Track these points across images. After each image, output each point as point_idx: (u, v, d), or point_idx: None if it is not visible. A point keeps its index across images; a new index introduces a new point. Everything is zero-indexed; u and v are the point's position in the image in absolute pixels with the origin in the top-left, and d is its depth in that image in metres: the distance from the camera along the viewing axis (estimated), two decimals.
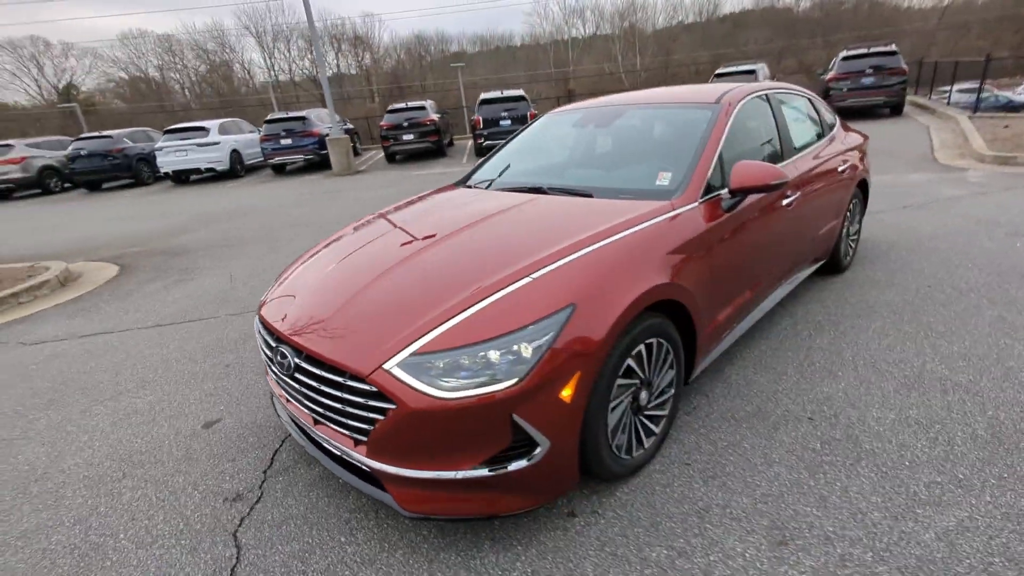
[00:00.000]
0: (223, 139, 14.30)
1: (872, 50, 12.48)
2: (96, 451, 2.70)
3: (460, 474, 1.70)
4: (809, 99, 3.68)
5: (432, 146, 14.40)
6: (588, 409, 1.83)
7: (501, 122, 13.68)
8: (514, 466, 1.71)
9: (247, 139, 15.04)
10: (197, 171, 14.47)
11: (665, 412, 2.27)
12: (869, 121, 12.66)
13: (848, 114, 12.83)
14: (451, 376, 1.65)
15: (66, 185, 16.10)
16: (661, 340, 2.11)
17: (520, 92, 14.31)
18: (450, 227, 2.40)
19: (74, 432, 2.89)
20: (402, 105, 14.59)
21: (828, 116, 3.87)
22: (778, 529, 1.85)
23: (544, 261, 1.93)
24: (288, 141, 13.95)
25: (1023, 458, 2.06)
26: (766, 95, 3.15)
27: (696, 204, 2.36)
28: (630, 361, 1.98)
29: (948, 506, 1.88)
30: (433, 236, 2.34)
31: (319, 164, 14.69)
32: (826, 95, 12.64)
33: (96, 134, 15.33)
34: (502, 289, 1.83)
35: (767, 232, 2.78)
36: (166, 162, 14.17)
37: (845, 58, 12.62)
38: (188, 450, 2.63)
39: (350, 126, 17.33)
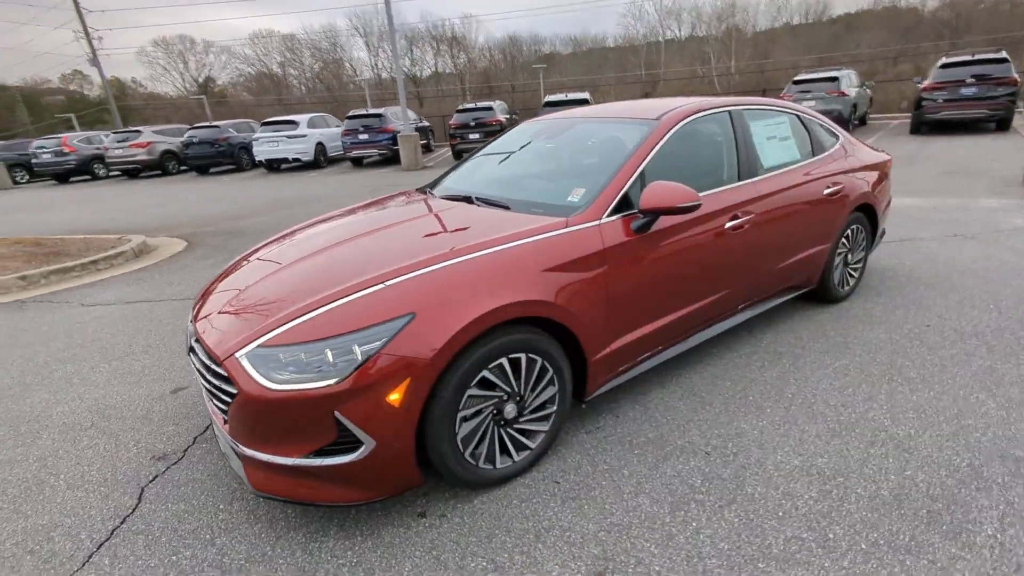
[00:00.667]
0: (310, 132, 15.39)
1: (976, 57, 10.99)
2: (83, 402, 3.10)
3: (290, 461, 1.81)
4: (797, 116, 3.40)
5: None
6: (428, 415, 1.87)
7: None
8: (337, 460, 1.79)
9: (332, 133, 16.06)
10: (286, 160, 15.68)
11: (544, 428, 2.25)
12: (967, 136, 11.23)
13: (945, 128, 11.49)
14: (285, 370, 1.76)
15: (182, 168, 18.06)
16: (533, 356, 2.09)
17: (584, 95, 14.17)
18: (361, 230, 2.52)
19: (77, 384, 3.33)
20: (471, 105, 14.99)
21: (824, 134, 3.54)
22: (605, 560, 1.79)
23: (404, 270, 1.98)
24: (365, 136, 14.75)
25: (912, 527, 1.83)
26: (729, 112, 2.96)
27: (597, 222, 2.29)
28: (487, 374, 1.98)
29: (796, 565, 1.72)
30: (341, 240, 2.46)
31: (392, 159, 15.40)
32: (918, 106, 11.35)
33: (206, 124, 17.10)
34: (356, 292, 1.91)
35: (703, 255, 2.64)
36: (260, 151, 15.51)
37: (944, 65, 11.20)
38: (148, 411, 2.95)
39: (424, 123, 17.96)
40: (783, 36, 38.84)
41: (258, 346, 1.82)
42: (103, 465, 2.49)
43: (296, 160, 15.49)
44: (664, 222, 2.46)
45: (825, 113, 12.11)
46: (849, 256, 3.68)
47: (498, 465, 2.13)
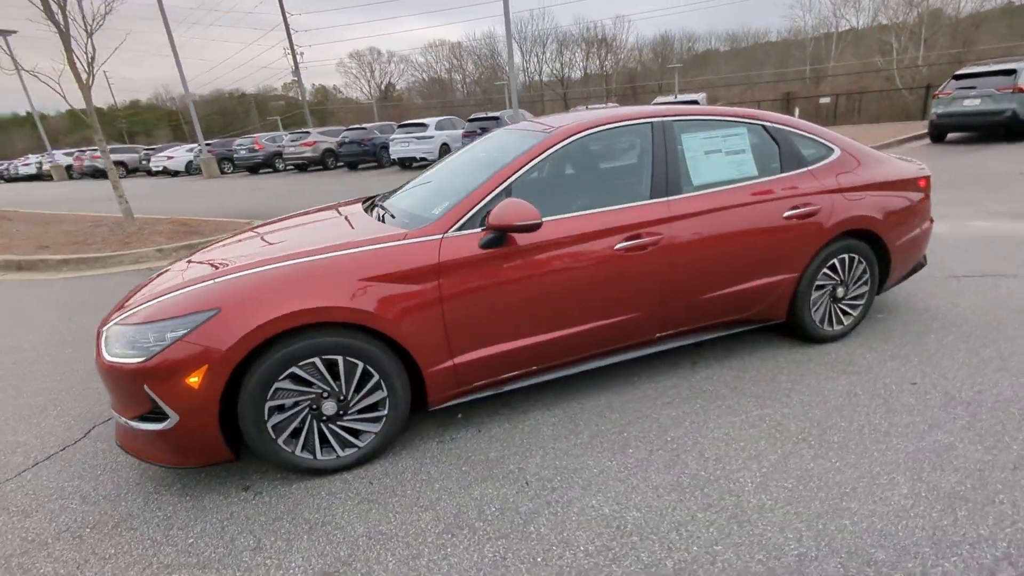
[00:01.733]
0: (437, 134, 16.50)
1: None
2: (70, 357, 3.76)
3: (124, 422, 2.13)
4: (763, 127, 2.89)
5: None
6: (238, 401, 2.05)
7: None
8: (151, 426, 2.06)
9: (456, 135, 17.02)
10: (415, 159, 17.02)
11: (374, 429, 2.30)
12: None
13: None
14: (118, 345, 2.08)
15: (339, 164, 20.54)
16: (353, 360, 2.17)
17: (696, 96, 13.18)
18: (257, 235, 2.79)
19: (79, 342, 4.03)
20: (599, 106, 14.69)
21: (806, 147, 2.97)
22: (342, 564, 1.82)
23: (229, 271, 2.18)
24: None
25: None
26: (651, 124, 2.67)
27: (439, 236, 2.27)
28: (297, 370, 2.10)
29: None
30: (236, 242, 2.75)
31: None
32: None
33: (357, 126, 19.20)
34: (188, 287, 2.16)
35: (581, 276, 2.45)
36: (395, 150, 17.04)
37: None
38: None
39: None
40: (993, 19, 31.56)
41: (115, 324, 2.16)
42: (33, 420, 2.93)
43: (423, 159, 16.74)
44: (527, 239, 2.34)
45: (993, 114, 9.83)
46: (839, 291, 3.06)
47: (319, 456, 2.25)
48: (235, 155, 22.66)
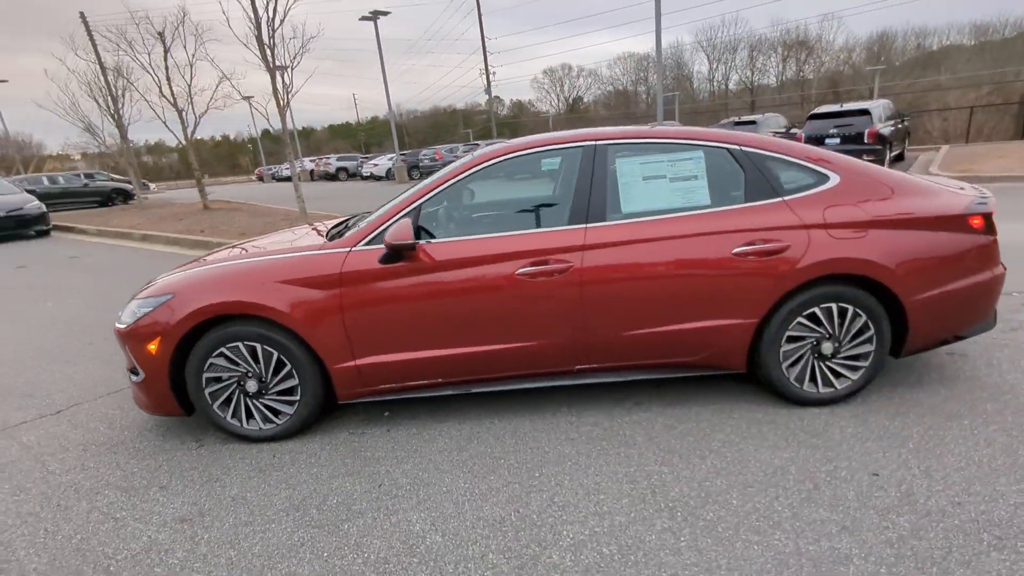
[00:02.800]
0: None
1: None
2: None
3: (126, 373, 2.78)
4: (728, 150, 2.45)
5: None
6: (183, 369, 2.55)
7: (827, 140, 10.92)
8: (133, 378, 2.66)
9: None
10: None
11: (290, 411, 2.61)
12: None
13: None
14: (124, 314, 2.71)
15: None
16: (268, 348, 2.51)
17: (865, 105, 10.89)
18: (255, 239, 3.30)
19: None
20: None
21: (781, 174, 2.42)
22: (196, 514, 2.15)
23: (200, 265, 2.68)
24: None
25: None
26: (583, 147, 2.52)
27: (348, 249, 2.48)
28: (225, 351, 2.52)
29: None
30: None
31: None
32: None
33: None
34: (169, 275, 2.72)
35: (479, 297, 2.43)
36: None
37: None
38: None
39: None
40: None
41: (130, 300, 2.83)
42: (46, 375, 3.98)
43: None
44: (425, 258, 2.43)
45: None
46: (826, 347, 2.46)
47: (244, 425, 2.64)
48: (420, 163, 25.63)
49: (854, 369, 2.51)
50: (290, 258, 2.55)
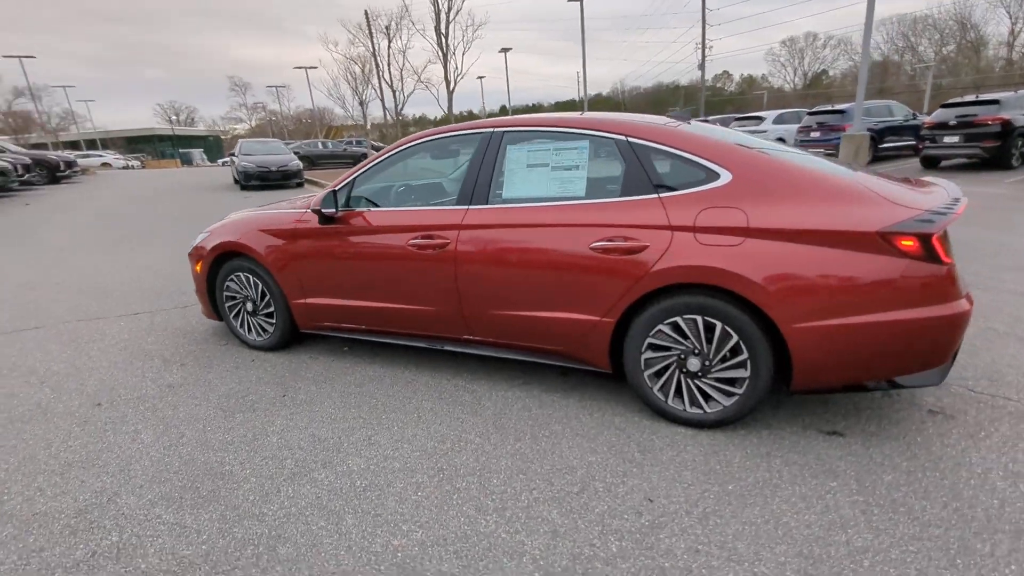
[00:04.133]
0: (772, 128, 14.47)
1: None
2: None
3: None
4: (615, 141, 2.21)
5: (984, 153, 9.51)
6: (216, 286, 3.48)
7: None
8: (196, 289, 3.70)
9: (795, 129, 14.45)
10: None
11: (271, 330, 3.34)
12: None
13: None
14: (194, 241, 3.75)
15: None
16: (256, 280, 3.26)
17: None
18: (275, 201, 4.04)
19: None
20: (968, 98, 10.06)
21: (666, 169, 2.08)
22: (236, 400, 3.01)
23: (232, 218, 3.53)
24: (817, 134, 12.67)
25: None
26: (483, 134, 2.59)
27: (304, 210, 3.02)
28: (232, 277, 3.35)
29: None
30: None
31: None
32: None
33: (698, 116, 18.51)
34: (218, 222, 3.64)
35: (380, 262, 2.77)
36: None
37: None
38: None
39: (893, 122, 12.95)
40: None
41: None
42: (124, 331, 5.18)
43: None
44: (348, 225, 2.85)
45: None
46: (692, 363, 2.13)
47: (247, 335, 3.45)
48: None
49: (727, 394, 2.15)
50: (269, 214, 3.22)
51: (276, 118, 59.84)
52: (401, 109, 16.36)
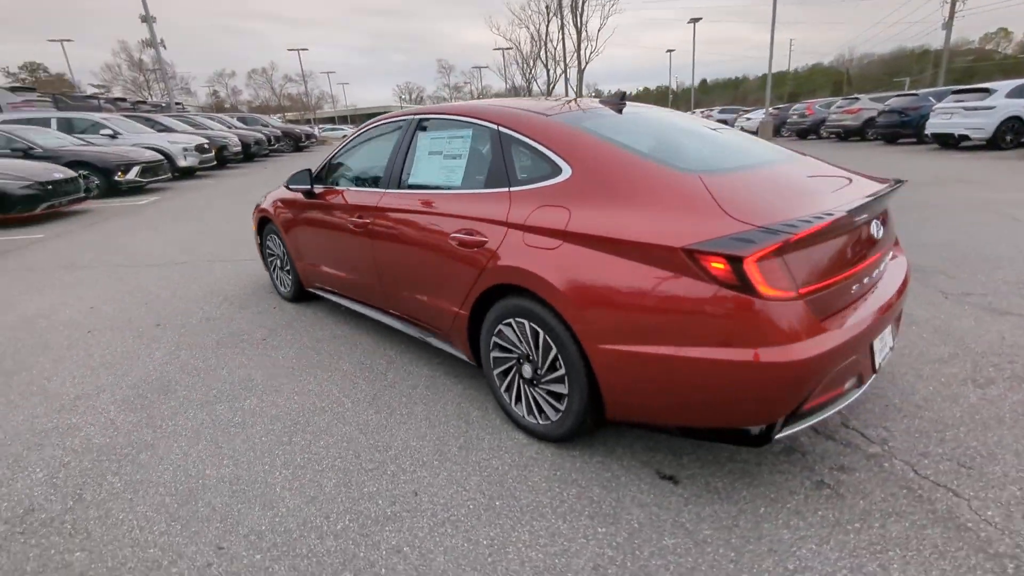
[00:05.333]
0: (1001, 104, 10.84)
1: None
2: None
3: None
4: (493, 130, 2.03)
5: None
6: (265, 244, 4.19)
7: None
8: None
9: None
10: (955, 137, 11.97)
11: (289, 285, 3.91)
12: None
13: None
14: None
15: (876, 135, 16.61)
16: (279, 242, 3.84)
17: None
18: None
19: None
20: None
21: (522, 161, 1.83)
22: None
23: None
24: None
25: None
26: (406, 121, 2.61)
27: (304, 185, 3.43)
28: (270, 237, 3.98)
29: None
30: None
31: None
32: None
33: (911, 92, 14.64)
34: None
35: (339, 237, 3.01)
36: (932, 124, 12.44)
37: None
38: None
39: None
40: None
41: None
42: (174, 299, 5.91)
43: (963, 137, 11.58)
44: (319, 200, 3.17)
45: None
46: (526, 369, 1.94)
47: (278, 286, 4.10)
48: (788, 119, 21.89)
49: (554, 409, 1.93)
50: (284, 189, 3.72)
51: (474, 96, 65.00)
52: (579, 87, 16.29)
